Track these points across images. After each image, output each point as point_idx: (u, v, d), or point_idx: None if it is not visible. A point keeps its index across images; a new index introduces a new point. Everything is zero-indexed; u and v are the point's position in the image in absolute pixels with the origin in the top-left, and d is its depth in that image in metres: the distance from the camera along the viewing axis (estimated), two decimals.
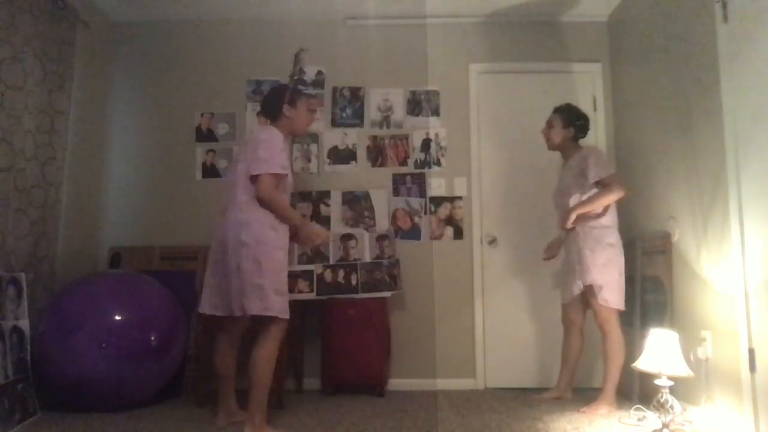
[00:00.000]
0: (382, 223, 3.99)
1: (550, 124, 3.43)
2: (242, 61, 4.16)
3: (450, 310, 3.93)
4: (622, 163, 3.95)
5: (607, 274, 3.10)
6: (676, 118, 3.16)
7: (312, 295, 3.67)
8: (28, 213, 3.23)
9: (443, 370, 3.86)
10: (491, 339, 3.91)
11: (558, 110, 3.43)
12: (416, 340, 3.89)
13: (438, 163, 4.08)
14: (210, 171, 4.09)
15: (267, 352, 2.60)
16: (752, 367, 2.46)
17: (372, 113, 4.13)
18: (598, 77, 4.12)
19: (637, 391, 3.20)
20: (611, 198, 3.14)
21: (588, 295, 3.17)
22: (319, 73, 4.17)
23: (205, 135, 4.13)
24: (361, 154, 4.10)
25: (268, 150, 2.66)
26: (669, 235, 3.19)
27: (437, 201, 4.04)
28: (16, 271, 3.03)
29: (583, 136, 3.43)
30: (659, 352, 2.66)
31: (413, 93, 4.14)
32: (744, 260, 2.53)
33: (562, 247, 3.42)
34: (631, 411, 2.93)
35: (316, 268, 3.76)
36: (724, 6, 2.68)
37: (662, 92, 3.34)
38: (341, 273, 3.75)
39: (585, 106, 3.98)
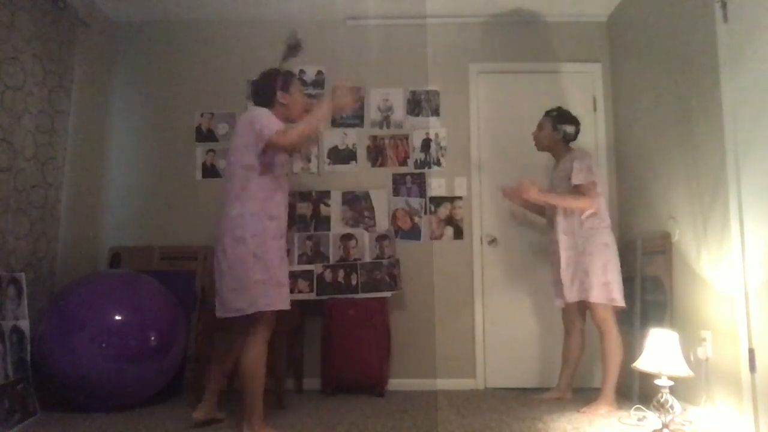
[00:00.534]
0: (382, 223, 3.99)
1: (540, 127, 3.47)
2: (242, 61, 4.15)
3: (450, 310, 3.93)
4: (622, 163, 3.96)
5: (607, 274, 3.11)
6: (676, 118, 3.16)
7: (312, 295, 3.68)
8: (28, 213, 3.23)
9: (443, 370, 3.86)
10: (491, 339, 3.91)
11: (548, 113, 3.46)
12: (416, 340, 3.90)
13: (438, 163, 4.08)
14: (210, 171, 4.09)
15: (257, 350, 2.53)
16: (752, 367, 2.46)
17: (372, 113, 4.13)
18: (598, 77, 4.12)
19: (637, 391, 3.20)
20: (579, 205, 3.18)
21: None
22: (319, 73, 4.17)
23: (205, 135, 4.13)
24: (361, 154, 4.10)
25: (265, 118, 2.55)
26: (669, 235, 3.19)
27: (437, 201, 4.04)
28: (16, 271, 3.03)
29: (574, 139, 3.44)
30: (659, 352, 2.66)
31: (413, 93, 4.14)
32: (744, 260, 2.53)
33: (552, 250, 3.41)
34: (631, 411, 2.93)
35: (316, 268, 3.76)
36: (724, 6, 2.68)
37: (662, 92, 3.34)
38: (341, 273, 3.75)
39: (585, 106, 4.00)
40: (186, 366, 3.54)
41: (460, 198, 4.03)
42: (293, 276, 3.59)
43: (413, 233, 4.01)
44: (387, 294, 3.70)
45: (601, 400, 3.09)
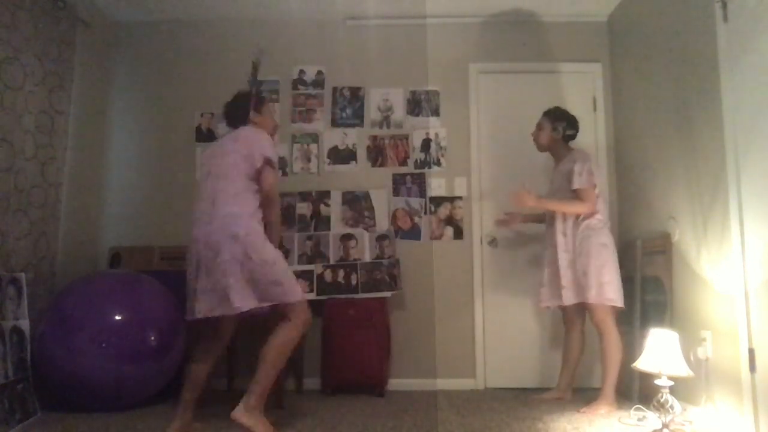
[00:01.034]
0: (382, 223, 3.99)
1: (539, 127, 3.47)
2: (242, 61, 4.12)
3: (450, 310, 3.93)
4: (621, 163, 3.96)
5: (605, 274, 3.11)
6: (676, 118, 3.16)
7: (312, 295, 3.67)
8: (28, 213, 3.23)
9: (443, 370, 3.86)
10: (491, 339, 3.91)
11: (547, 113, 3.46)
12: (416, 340, 3.90)
13: (438, 163, 4.08)
14: None
15: (290, 335, 2.53)
16: (752, 367, 2.46)
17: (372, 113, 4.13)
18: (597, 77, 4.12)
19: (637, 391, 3.20)
20: (578, 210, 3.20)
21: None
22: (319, 73, 4.17)
23: (205, 135, 4.13)
24: (361, 154, 4.10)
25: (270, 147, 2.67)
26: (669, 235, 3.19)
27: (437, 201, 4.04)
28: (16, 271, 3.03)
29: (573, 139, 3.44)
30: (659, 352, 2.66)
31: (413, 93, 4.14)
32: (744, 260, 2.53)
33: (548, 252, 3.41)
34: (631, 411, 2.93)
35: (316, 268, 3.77)
36: (724, 6, 2.68)
37: (662, 92, 3.34)
38: (341, 273, 3.76)
39: (585, 106, 4.00)
40: (186, 366, 3.53)
41: (460, 198, 4.03)
42: None
43: (413, 233, 4.01)
44: (387, 294, 3.70)
45: (601, 400, 3.09)
